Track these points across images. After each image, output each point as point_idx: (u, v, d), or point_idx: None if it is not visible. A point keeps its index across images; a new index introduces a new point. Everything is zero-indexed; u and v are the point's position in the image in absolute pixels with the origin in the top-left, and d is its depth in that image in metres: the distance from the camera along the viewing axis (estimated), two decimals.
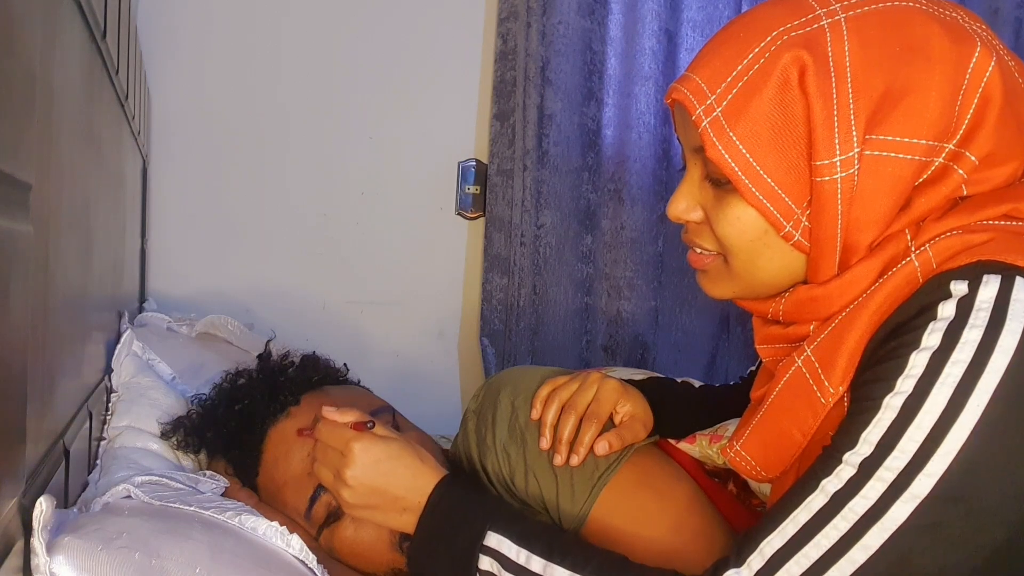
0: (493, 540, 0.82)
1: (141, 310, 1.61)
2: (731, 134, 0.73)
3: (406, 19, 1.83)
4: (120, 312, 1.31)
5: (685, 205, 0.81)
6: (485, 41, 1.86)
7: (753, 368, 1.10)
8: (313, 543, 0.96)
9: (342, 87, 1.83)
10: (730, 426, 0.97)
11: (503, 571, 0.81)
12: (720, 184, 0.76)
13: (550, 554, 0.80)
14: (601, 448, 0.93)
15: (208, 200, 1.80)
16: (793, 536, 0.70)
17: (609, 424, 0.96)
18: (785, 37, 0.72)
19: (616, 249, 1.86)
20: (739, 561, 0.72)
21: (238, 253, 1.82)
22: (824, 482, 0.70)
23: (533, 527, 0.84)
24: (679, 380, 1.11)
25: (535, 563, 0.80)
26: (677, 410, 1.02)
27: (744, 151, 0.73)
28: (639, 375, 1.10)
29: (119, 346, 1.16)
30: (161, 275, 1.78)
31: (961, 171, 0.73)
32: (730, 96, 0.73)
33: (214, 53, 1.78)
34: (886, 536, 0.67)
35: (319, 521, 0.98)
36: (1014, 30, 1.88)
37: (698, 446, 0.98)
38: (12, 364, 0.56)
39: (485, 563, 0.82)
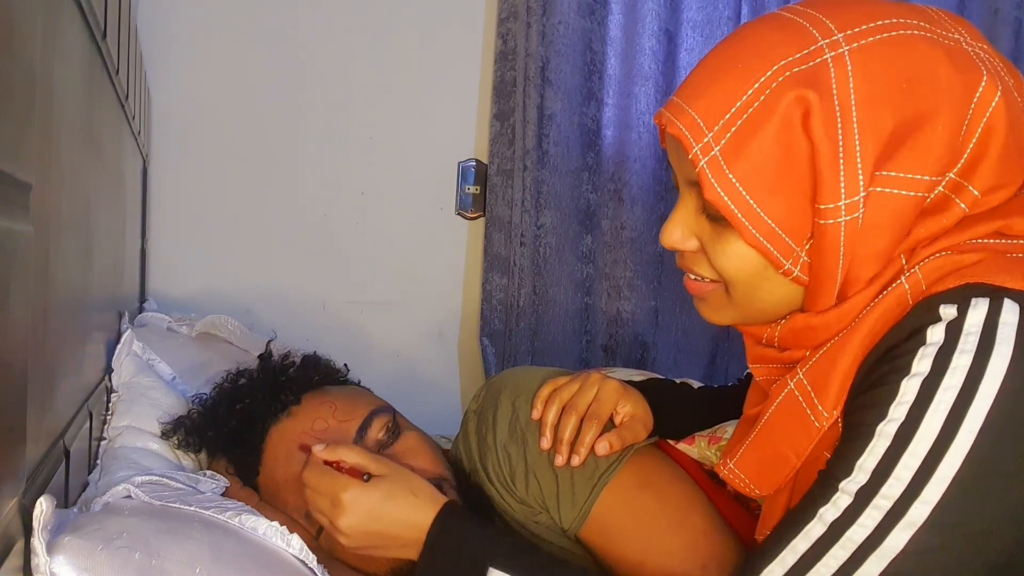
0: None
1: (141, 310, 1.61)
2: (730, 175, 0.71)
3: (406, 19, 1.83)
4: (120, 312, 1.31)
5: (680, 235, 0.78)
6: (485, 41, 1.86)
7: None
8: (313, 543, 0.95)
9: (342, 87, 1.83)
10: (728, 427, 0.97)
11: None
12: (717, 219, 0.74)
13: None
14: (602, 448, 0.93)
15: (208, 200, 1.80)
16: (793, 566, 0.70)
17: (609, 425, 0.96)
18: (787, 72, 0.70)
19: (616, 249, 1.86)
20: None
21: (238, 253, 1.82)
22: (822, 511, 0.70)
23: (534, 561, 0.83)
24: (678, 381, 1.11)
25: None
26: (677, 411, 1.02)
27: (743, 192, 0.70)
28: (638, 376, 1.10)
29: (119, 346, 1.16)
30: (161, 275, 1.77)
31: (963, 205, 0.71)
32: (729, 134, 0.71)
33: (214, 53, 1.78)
34: (885, 564, 0.67)
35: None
36: (1014, 30, 1.88)
37: (697, 447, 0.98)
38: (12, 364, 0.56)
39: None
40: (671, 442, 1.00)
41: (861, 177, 0.69)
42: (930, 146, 0.69)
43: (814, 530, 0.70)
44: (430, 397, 1.82)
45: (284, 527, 0.85)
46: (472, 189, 1.88)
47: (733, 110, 0.71)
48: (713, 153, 0.71)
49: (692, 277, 0.81)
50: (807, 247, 0.72)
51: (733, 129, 0.70)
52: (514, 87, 1.80)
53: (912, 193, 0.70)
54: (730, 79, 0.72)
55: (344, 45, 1.82)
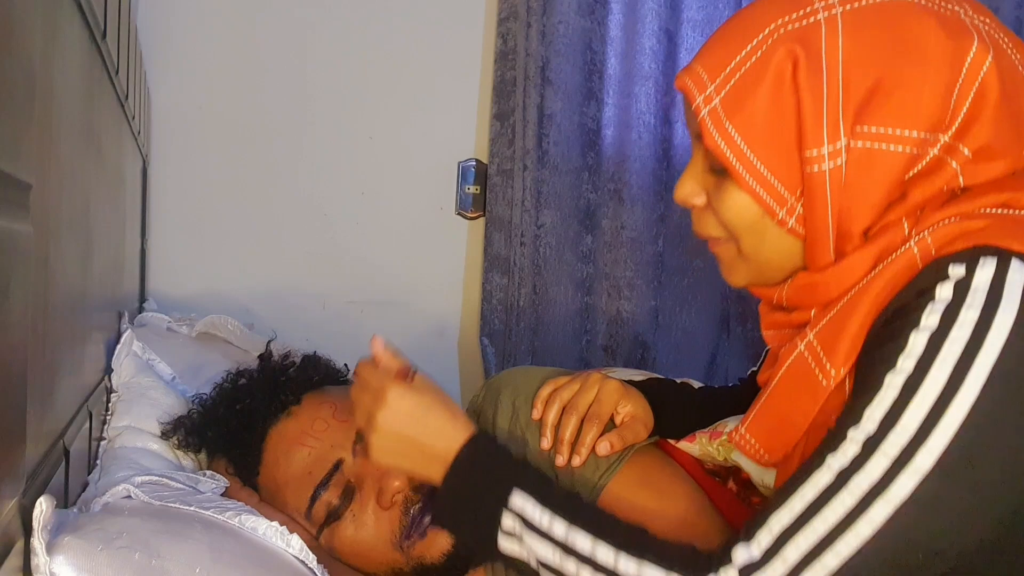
0: (518, 500, 0.82)
1: (141, 310, 1.61)
2: (727, 124, 0.76)
3: (406, 19, 1.83)
4: (120, 312, 1.31)
5: (690, 189, 0.84)
6: (485, 41, 1.86)
7: (755, 368, 1.10)
8: (313, 543, 0.96)
9: (342, 87, 1.83)
10: (730, 422, 0.97)
11: (525, 531, 0.80)
12: (719, 170, 0.80)
13: (573, 519, 0.79)
14: (603, 448, 0.93)
15: (208, 200, 1.80)
16: (801, 512, 0.71)
17: (610, 425, 0.96)
18: (782, 31, 0.76)
19: (616, 249, 1.86)
20: (748, 536, 0.73)
21: (238, 253, 1.82)
22: (830, 459, 0.71)
23: (559, 492, 0.83)
24: (679, 381, 1.11)
25: (558, 527, 0.79)
26: (677, 411, 1.03)
27: (739, 141, 0.76)
28: (639, 376, 1.10)
29: (119, 346, 1.16)
30: (161, 275, 1.77)
31: (954, 163, 0.74)
32: (728, 87, 0.77)
33: (214, 53, 1.78)
34: (891, 510, 0.68)
35: (319, 521, 0.98)
36: (1014, 30, 1.88)
37: (698, 444, 0.98)
38: (12, 364, 0.56)
39: (508, 522, 0.81)
40: (672, 441, 1.00)
41: (842, 126, 0.73)
42: (914, 103, 0.73)
43: (822, 478, 0.71)
44: None
45: (284, 527, 0.86)
46: (472, 189, 1.88)
47: (733, 64, 0.77)
48: (713, 104, 0.77)
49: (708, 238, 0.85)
50: (801, 201, 0.76)
51: (732, 82, 0.77)
52: (514, 87, 1.80)
53: (896, 148, 0.73)
54: (734, 38, 0.78)
55: (344, 45, 1.82)
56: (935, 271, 0.71)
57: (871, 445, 0.69)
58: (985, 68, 0.73)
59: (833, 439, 0.72)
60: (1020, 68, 0.75)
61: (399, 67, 1.83)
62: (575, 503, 0.82)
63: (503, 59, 1.81)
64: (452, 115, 1.88)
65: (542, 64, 1.78)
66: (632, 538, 0.78)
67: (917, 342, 0.69)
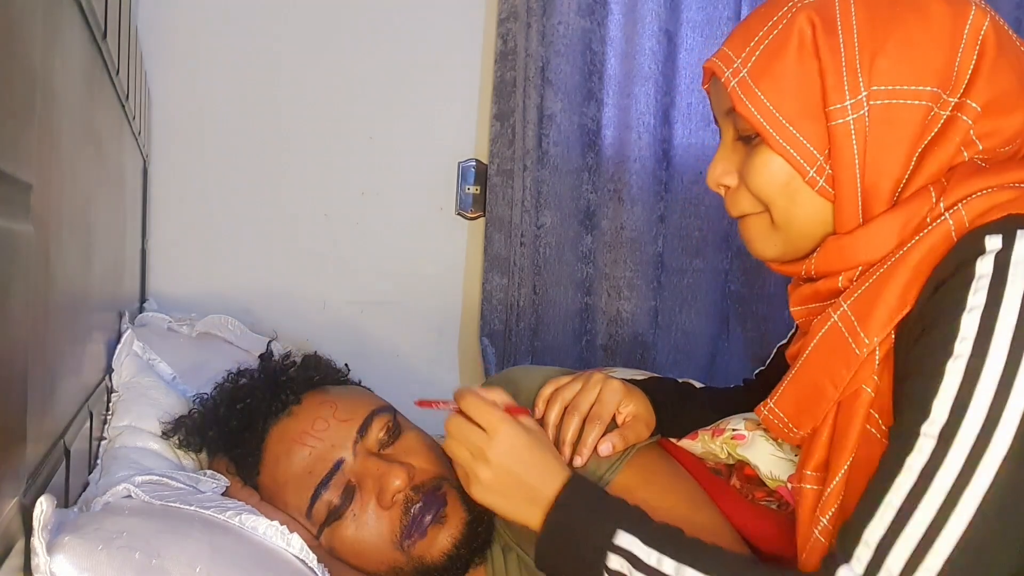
0: (624, 539, 0.81)
1: (141, 310, 1.61)
2: (756, 90, 0.80)
3: (406, 19, 1.83)
4: (120, 312, 1.31)
5: (722, 169, 0.86)
6: (485, 41, 1.86)
7: (762, 367, 1.10)
8: (314, 542, 0.96)
9: (342, 87, 1.83)
10: (732, 420, 0.97)
11: (634, 571, 0.80)
12: (749, 140, 0.83)
13: (681, 555, 0.79)
14: (605, 449, 0.93)
15: (208, 200, 1.80)
16: (893, 519, 0.71)
17: (612, 424, 0.96)
18: (800, 3, 0.81)
19: (616, 249, 1.86)
20: (847, 556, 0.73)
21: (238, 253, 1.82)
22: (908, 460, 0.71)
23: (661, 528, 0.83)
24: (680, 381, 1.11)
25: (667, 565, 0.79)
26: (679, 410, 1.03)
27: (768, 104, 0.80)
28: (640, 376, 1.10)
29: (120, 346, 1.16)
30: (161, 275, 1.77)
31: (966, 118, 0.77)
32: (754, 57, 0.81)
33: (214, 53, 1.78)
34: (981, 496, 0.68)
35: (320, 520, 0.98)
36: (1014, 30, 1.88)
37: (700, 442, 0.98)
38: (12, 364, 0.56)
39: (615, 562, 0.81)
40: (673, 440, 1.01)
41: (861, 80, 0.77)
42: (922, 58, 0.77)
43: (904, 481, 0.71)
44: (430, 397, 1.81)
45: (284, 527, 0.86)
46: (472, 189, 1.88)
47: (757, 37, 0.82)
48: (742, 75, 0.81)
49: (743, 216, 0.87)
50: (829, 161, 0.79)
51: (758, 53, 0.81)
52: (514, 87, 1.80)
53: (912, 102, 0.77)
54: (757, 18, 0.83)
55: (344, 45, 1.82)
56: (971, 243, 0.72)
57: (947, 436, 0.69)
58: (984, 30, 0.77)
59: (903, 439, 0.72)
60: (1015, 41, 0.80)
61: (399, 67, 1.83)
62: (676, 537, 0.82)
63: (503, 59, 1.81)
64: (452, 115, 1.88)
65: (542, 64, 1.78)
66: (741, 570, 0.78)
67: (968, 324, 0.70)
